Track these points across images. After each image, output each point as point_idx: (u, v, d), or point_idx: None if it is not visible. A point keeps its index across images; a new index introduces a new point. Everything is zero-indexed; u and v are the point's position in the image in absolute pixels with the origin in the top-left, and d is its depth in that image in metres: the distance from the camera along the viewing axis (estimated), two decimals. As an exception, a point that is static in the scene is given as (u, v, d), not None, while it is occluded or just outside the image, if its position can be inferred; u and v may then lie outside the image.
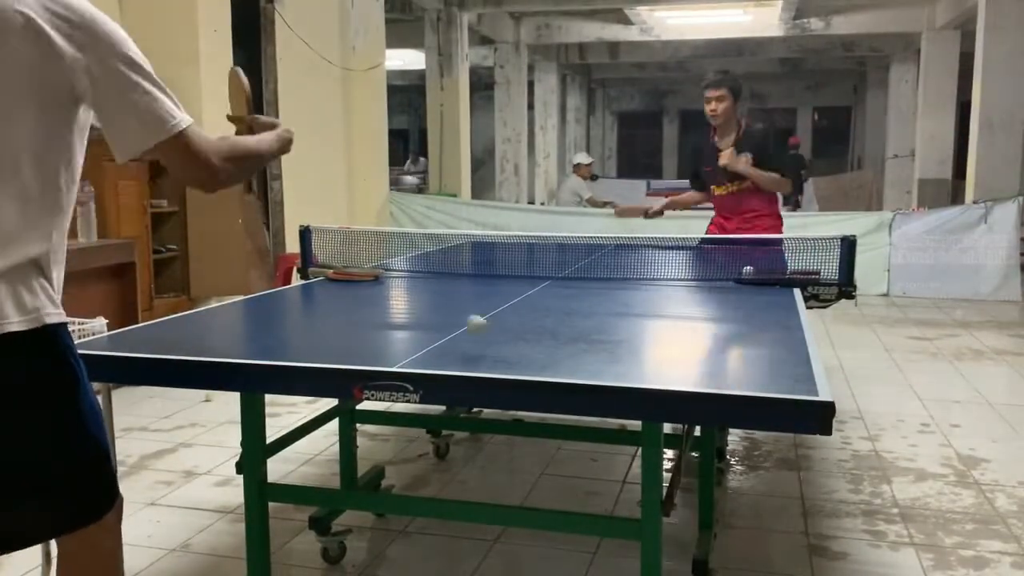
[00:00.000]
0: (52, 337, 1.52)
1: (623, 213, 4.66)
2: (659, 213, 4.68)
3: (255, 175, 1.83)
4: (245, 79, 2.07)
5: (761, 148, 4.26)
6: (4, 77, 1.44)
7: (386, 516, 3.09)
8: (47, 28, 1.45)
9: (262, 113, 6.78)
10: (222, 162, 1.64)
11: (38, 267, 1.51)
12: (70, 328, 2.41)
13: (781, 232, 4.29)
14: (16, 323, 1.45)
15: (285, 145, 1.90)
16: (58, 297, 1.56)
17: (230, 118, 1.99)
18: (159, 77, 1.57)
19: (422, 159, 16.15)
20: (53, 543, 1.73)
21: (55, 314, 1.53)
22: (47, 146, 1.51)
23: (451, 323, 2.47)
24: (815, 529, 3.02)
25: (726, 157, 4.20)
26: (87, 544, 1.63)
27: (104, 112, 1.53)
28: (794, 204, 15.52)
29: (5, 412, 1.47)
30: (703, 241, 4.23)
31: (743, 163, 4.18)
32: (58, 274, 1.58)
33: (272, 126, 1.94)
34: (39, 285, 1.51)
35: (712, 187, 4.42)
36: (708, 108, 4.31)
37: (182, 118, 1.57)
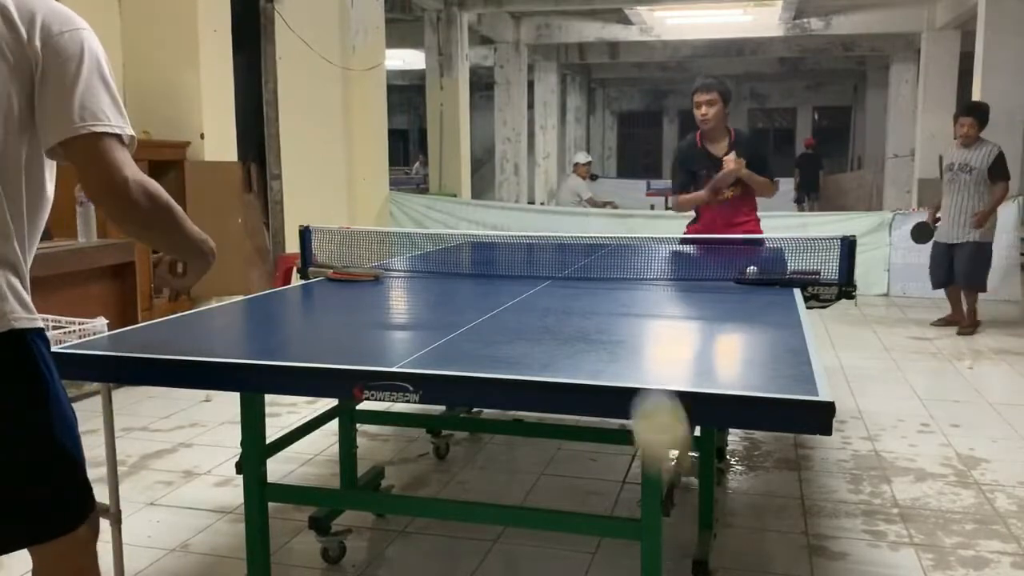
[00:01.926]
0: (19, 342, 1.46)
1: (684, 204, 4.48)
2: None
3: (174, 242, 1.65)
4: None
5: (753, 153, 4.26)
6: None
7: (386, 516, 3.09)
8: (16, 16, 1.44)
9: (261, 112, 6.73)
10: (139, 190, 1.50)
11: (12, 268, 1.48)
12: (71, 328, 2.42)
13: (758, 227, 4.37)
14: None
15: (206, 250, 1.70)
16: (30, 301, 1.51)
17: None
18: (112, 81, 1.53)
19: (421, 162, 16.16)
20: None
21: (25, 319, 1.47)
22: (20, 139, 1.48)
23: (451, 323, 2.47)
24: (815, 529, 3.02)
25: (732, 163, 4.16)
26: (60, 560, 1.58)
27: (41, 96, 1.46)
28: (812, 202, 15.61)
29: None
30: (682, 241, 4.23)
31: (745, 171, 4.17)
32: (27, 276, 1.53)
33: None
34: (9, 288, 1.47)
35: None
36: (699, 112, 4.27)
37: (120, 125, 1.49)
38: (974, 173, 6.22)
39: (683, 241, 4.26)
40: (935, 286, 6.70)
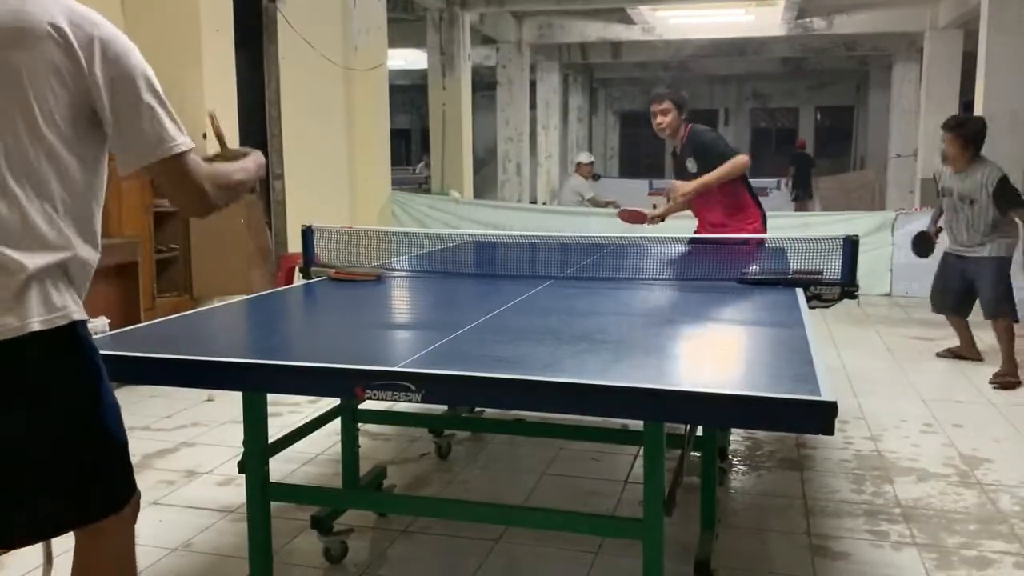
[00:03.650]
0: (78, 335, 1.59)
1: (626, 218, 4.67)
2: (661, 219, 4.68)
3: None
4: (217, 120, 2.14)
5: (698, 146, 4.33)
6: (39, 83, 1.51)
7: (388, 516, 3.09)
8: (74, 42, 1.52)
9: (264, 112, 6.76)
10: (214, 189, 1.70)
11: (64, 270, 1.58)
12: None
13: (758, 224, 4.36)
14: (47, 320, 1.52)
15: (261, 169, 1.93)
16: (81, 299, 1.63)
17: (208, 158, 1.95)
18: (164, 91, 1.64)
19: (422, 164, 16.10)
20: (54, 542, 1.75)
21: (79, 312, 1.59)
22: (78, 155, 1.57)
23: (453, 322, 2.47)
24: (817, 529, 3.02)
25: (677, 191, 4.32)
26: (103, 539, 1.67)
27: (113, 126, 1.59)
28: (805, 201, 15.76)
29: (35, 407, 1.53)
30: (691, 241, 4.28)
31: (691, 186, 4.27)
32: (87, 277, 1.65)
33: (245, 155, 1.95)
34: (64, 286, 1.58)
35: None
36: (655, 122, 4.42)
37: (183, 141, 1.63)
38: (976, 206, 5.00)
39: (691, 241, 4.30)
40: (938, 309, 5.49)
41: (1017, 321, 5.14)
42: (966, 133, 5.03)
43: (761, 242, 4.15)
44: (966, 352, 5.49)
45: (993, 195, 4.94)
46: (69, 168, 1.56)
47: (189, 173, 1.65)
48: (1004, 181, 4.96)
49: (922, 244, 5.53)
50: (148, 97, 1.60)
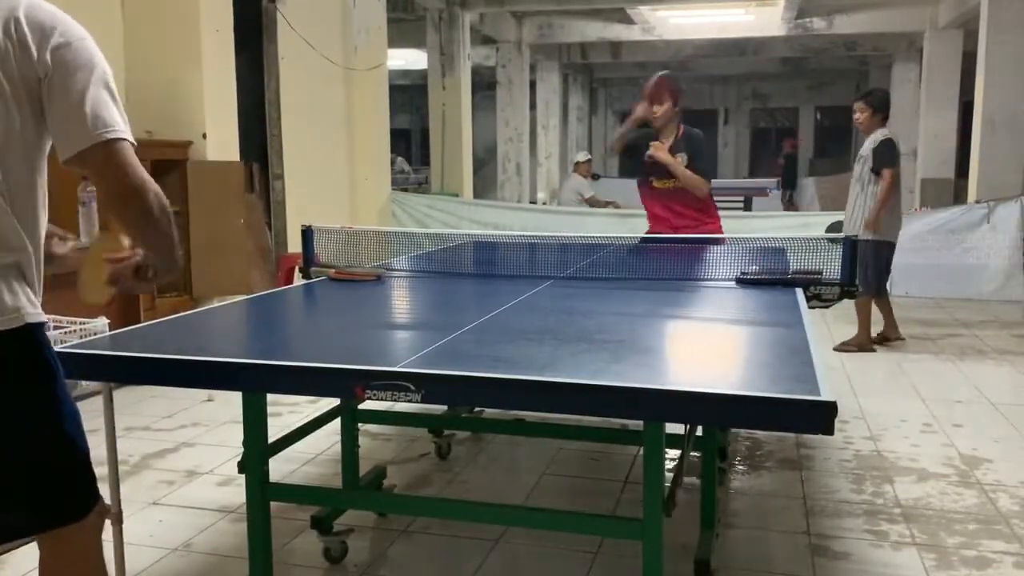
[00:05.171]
0: (32, 337, 1.54)
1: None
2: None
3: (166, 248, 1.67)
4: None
5: (697, 150, 4.49)
6: None
7: (388, 516, 3.09)
8: (28, 33, 1.49)
9: (263, 112, 6.76)
10: (153, 193, 1.57)
11: (18, 270, 1.54)
12: (72, 328, 2.45)
13: (719, 223, 4.55)
14: None
15: (177, 261, 1.76)
16: (38, 299, 1.58)
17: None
18: (116, 87, 1.59)
19: (399, 159, 16.00)
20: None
21: (34, 314, 1.55)
22: (24, 149, 1.53)
23: (453, 323, 2.47)
24: (817, 529, 3.02)
25: (657, 149, 4.43)
26: (67, 546, 1.64)
27: (53, 108, 1.52)
28: (787, 200, 15.89)
29: None
30: (643, 240, 4.39)
31: (669, 158, 4.42)
32: (39, 276, 1.60)
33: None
34: (19, 286, 1.54)
35: (652, 179, 4.59)
36: (650, 109, 4.53)
37: (125, 131, 1.54)
38: (864, 162, 5.76)
39: (643, 240, 4.42)
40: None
41: (873, 296, 5.83)
42: (872, 101, 5.82)
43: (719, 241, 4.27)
44: (887, 333, 6.05)
45: (874, 150, 5.67)
46: (16, 166, 1.52)
47: (127, 164, 1.53)
48: (888, 142, 5.69)
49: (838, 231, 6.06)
50: (97, 86, 1.52)
